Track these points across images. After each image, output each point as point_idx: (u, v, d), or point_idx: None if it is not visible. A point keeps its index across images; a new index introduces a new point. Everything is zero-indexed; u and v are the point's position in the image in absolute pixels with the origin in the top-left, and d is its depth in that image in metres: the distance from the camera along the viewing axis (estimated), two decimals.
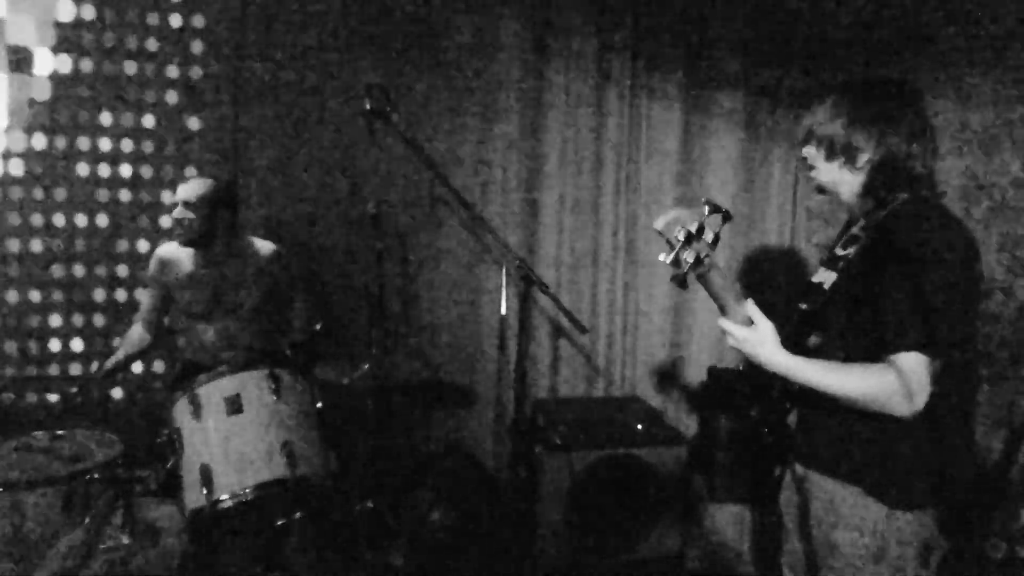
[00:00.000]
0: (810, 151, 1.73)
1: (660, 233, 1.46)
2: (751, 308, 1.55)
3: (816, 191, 1.79)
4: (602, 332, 3.86)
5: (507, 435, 3.61)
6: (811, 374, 1.53)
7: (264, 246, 2.96)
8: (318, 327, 2.76)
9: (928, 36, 3.15)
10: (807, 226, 3.91)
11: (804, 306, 1.76)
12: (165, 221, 3.28)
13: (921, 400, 1.48)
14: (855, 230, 1.73)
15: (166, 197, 3.30)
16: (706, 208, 1.47)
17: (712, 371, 3.86)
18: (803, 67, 3.78)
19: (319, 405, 2.53)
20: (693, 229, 1.43)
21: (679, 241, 1.43)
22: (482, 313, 3.66)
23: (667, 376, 3.96)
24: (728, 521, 3.27)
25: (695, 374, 3.93)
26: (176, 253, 2.89)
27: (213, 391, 2.41)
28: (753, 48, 3.77)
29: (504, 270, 3.15)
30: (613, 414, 3.38)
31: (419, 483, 3.22)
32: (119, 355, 2.86)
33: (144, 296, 3.01)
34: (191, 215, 2.77)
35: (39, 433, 2.53)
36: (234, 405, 2.39)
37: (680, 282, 1.47)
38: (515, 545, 3.14)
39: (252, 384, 2.43)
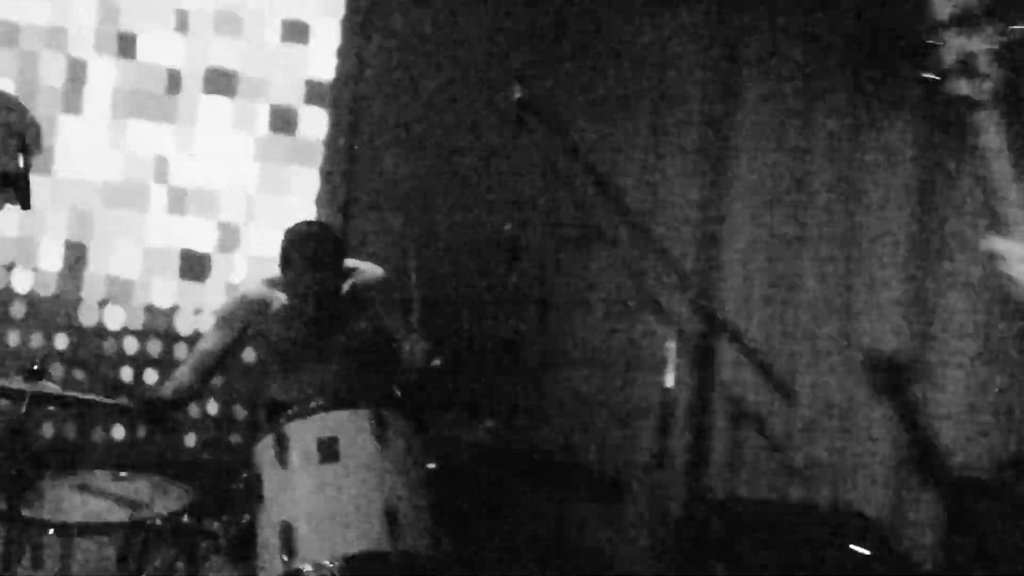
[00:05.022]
0: None
1: None
2: None
3: None
4: (802, 416, 3.56)
5: (668, 543, 3.41)
6: None
7: (369, 270, 2.98)
8: (437, 363, 2.66)
9: None
10: None
11: None
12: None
13: None
14: None
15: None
16: None
17: (963, 480, 3.40)
18: None
19: (432, 465, 2.45)
20: None
21: None
22: (640, 379, 3.50)
23: (902, 482, 3.52)
24: None
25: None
26: (265, 290, 2.94)
27: (305, 431, 2.35)
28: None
29: (674, 326, 2.93)
30: (820, 531, 3.11)
31: None
32: (165, 391, 2.88)
33: (205, 339, 2.98)
34: (328, 280, 2.80)
35: (100, 472, 2.59)
36: (329, 451, 2.31)
37: None
38: None
39: (353, 426, 2.35)
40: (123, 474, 2.58)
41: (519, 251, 2.69)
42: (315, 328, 2.89)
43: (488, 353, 3.26)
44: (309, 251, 2.77)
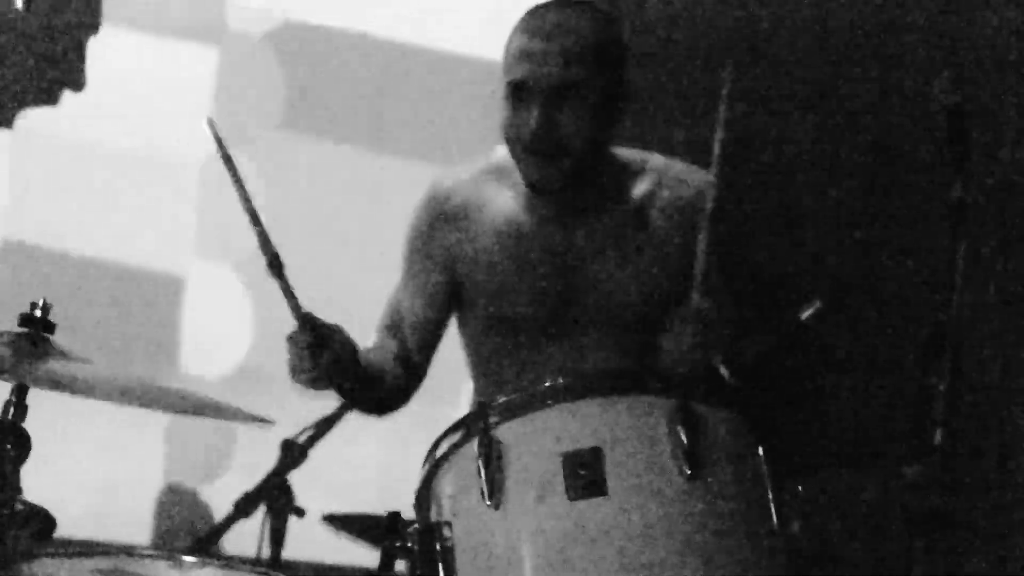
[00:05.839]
0: None
1: None
2: None
3: None
4: None
5: None
6: None
7: (678, 172, 1.97)
8: (811, 311, 1.77)
9: None
10: None
11: None
12: None
13: None
14: None
15: None
16: None
17: None
18: None
19: (795, 526, 1.61)
20: None
21: None
22: None
23: None
24: None
25: None
26: (473, 190, 1.98)
27: (537, 438, 1.55)
28: None
29: None
30: None
31: None
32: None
33: (400, 291, 2.02)
34: (578, 123, 1.80)
35: (147, 552, 1.92)
36: (586, 475, 1.51)
37: None
38: None
39: (635, 430, 1.54)
40: (187, 559, 1.69)
41: (963, 124, 1.33)
42: (559, 283, 1.92)
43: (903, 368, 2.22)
44: (538, 42, 1.78)
